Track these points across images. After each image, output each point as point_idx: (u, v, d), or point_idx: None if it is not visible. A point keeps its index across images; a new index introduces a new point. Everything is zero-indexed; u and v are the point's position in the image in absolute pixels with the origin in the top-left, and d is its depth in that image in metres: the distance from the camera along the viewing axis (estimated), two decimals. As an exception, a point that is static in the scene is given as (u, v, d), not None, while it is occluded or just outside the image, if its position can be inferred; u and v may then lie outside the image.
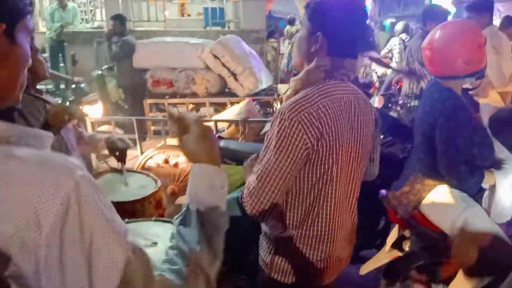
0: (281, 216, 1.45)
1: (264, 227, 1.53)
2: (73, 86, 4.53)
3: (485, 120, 2.33)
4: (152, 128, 5.03)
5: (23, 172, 0.63)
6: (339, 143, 1.38)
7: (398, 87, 5.22)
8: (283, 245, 1.47)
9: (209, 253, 0.84)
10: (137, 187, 2.20)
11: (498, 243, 0.91)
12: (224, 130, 3.95)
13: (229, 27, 7.17)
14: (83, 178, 0.66)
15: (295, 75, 1.53)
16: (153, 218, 1.70)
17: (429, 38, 2.12)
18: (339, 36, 1.39)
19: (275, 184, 1.34)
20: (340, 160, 1.40)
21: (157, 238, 1.47)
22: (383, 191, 2.43)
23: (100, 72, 5.61)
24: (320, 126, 1.33)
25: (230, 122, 3.87)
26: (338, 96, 1.40)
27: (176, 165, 3.78)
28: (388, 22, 9.89)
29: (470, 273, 0.91)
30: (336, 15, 1.38)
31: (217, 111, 5.51)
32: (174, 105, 5.36)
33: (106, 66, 5.86)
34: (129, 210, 1.89)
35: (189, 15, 8.22)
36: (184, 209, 0.89)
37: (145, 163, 3.73)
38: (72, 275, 0.64)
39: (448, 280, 1.78)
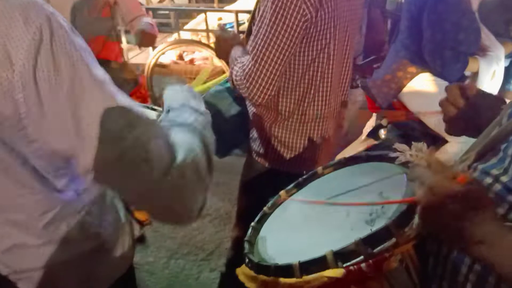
0: (275, 103, 1.37)
1: (255, 118, 1.46)
2: None
3: (475, 5, 2.24)
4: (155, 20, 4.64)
5: None
6: (337, 15, 1.27)
7: None
8: (276, 134, 1.42)
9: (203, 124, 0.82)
10: None
11: (483, 97, 0.90)
12: (244, 23, 3.58)
13: None
14: (54, 14, 0.60)
15: None
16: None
17: None
18: None
19: (273, 63, 1.23)
20: (337, 35, 1.30)
21: None
22: (364, 80, 2.40)
23: None
24: None
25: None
26: None
27: (192, 61, 3.45)
28: None
29: (454, 127, 0.93)
30: None
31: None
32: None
33: None
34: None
35: None
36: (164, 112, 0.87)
37: (157, 59, 3.50)
38: (55, 119, 0.60)
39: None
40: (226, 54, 1.42)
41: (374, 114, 2.57)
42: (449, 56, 1.97)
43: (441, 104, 0.92)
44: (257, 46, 1.23)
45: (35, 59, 0.57)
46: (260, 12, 1.25)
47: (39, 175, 0.67)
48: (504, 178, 0.70)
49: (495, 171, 0.71)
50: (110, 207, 0.87)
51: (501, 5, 2.21)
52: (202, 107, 0.91)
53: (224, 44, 1.44)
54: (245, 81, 1.26)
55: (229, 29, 1.48)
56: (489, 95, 0.92)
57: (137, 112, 0.66)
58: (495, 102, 0.88)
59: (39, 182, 0.68)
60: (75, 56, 0.60)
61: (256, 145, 1.49)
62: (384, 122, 2.44)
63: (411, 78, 2.16)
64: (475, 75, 2.10)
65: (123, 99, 0.65)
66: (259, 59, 1.23)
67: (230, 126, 1.52)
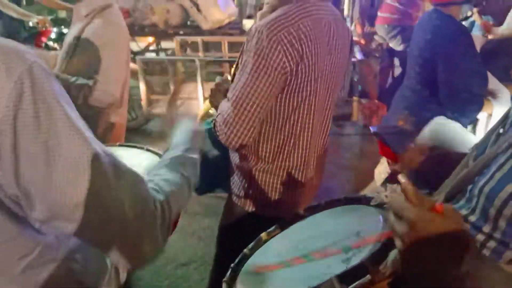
0: (255, 149, 1.38)
1: (236, 161, 1.46)
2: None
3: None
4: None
5: None
6: (318, 68, 1.30)
7: None
8: (257, 179, 1.42)
9: (182, 190, 0.86)
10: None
11: (444, 159, 1.01)
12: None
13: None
14: (36, 63, 0.62)
15: (261, 9, 1.42)
16: (117, 144, 1.64)
17: None
18: None
19: (252, 111, 1.25)
20: (318, 87, 1.33)
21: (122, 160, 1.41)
22: (374, 126, 2.44)
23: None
24: (300, 49, 1.23)
25: None
26: (319, 16, 1.31)
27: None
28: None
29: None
30: None
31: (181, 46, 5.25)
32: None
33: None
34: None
35: None
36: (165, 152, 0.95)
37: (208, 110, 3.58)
38: (27, 167, 0.60)
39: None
40: (217, 103, 1.44)
41: (384, 158, 2.54)
42: (466, 98, 2.01)
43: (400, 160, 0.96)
44: (237, 94, 1.25)
45: (16, 108, 0.58)
46: (242, 61, 1.27)
47: (14, 217, 0.65)
48: (472, 218, 0.74)
49: (464, 211, 0.75)
50: (96, 253, 0.84)
51: (500, 50, 2.29)
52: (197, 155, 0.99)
53: (219, 94, 1.46)
54: (223, 127, 1.28)
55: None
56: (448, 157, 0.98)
57: (113, 160, 0.67)
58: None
59: (14, 224, 0.66)
60: (53, 105, 0.61)
61: (236, 188, 1.48)
62: (398, 167, 2.41)
63: (426, 123, 2.17)
64: (489, 117, 2.14)
65: (98, 147, 0.65)
66: (238, 106, 1.25)
67: (211, 166, 1.49)
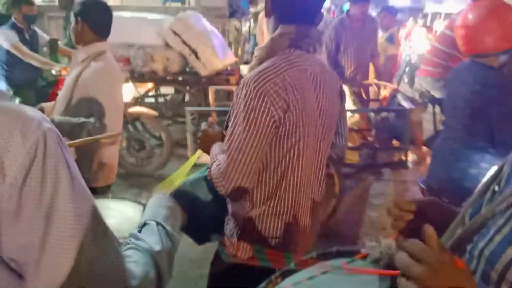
0: (251, 194, 1.41)
1: (231, 207, 1.48)
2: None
3: None
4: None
5: None
6: (306, 115, 1.35)
7: None
8: (250, 224, 1.43)
9: (166, 257, 0.87)
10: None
11: (434, 209, 0.96)
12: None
13: (189, 3, 6.98)
14: (50, 130, 0.64)
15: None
16: (110, 196, 1.68)
17: (462, 17, 2.15)
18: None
19: (247, 161, 1.29)
20: (306, 134, 1.38)
21: (115, 213, 1.45)
22: (421, 180, 2.41)
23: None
24: (286, 98, 1.29)
25: None
26: (304, 67, 1.37)
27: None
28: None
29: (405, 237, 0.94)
30: None
31: (178, 91, 5.37)
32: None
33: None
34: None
35: (148, -9, 7.94)
36: (141, 224, 0.95)
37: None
38: (24, 230, 0.60)
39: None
40: (208, 149, 1.48)
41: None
42: None
43: (391, 226, 0.94)
44: (231, 146, 1.30)
45: (26, 174, 0.60)
46: (234, 113, 1.33)
47: (15, 274, 0.65)
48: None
49: None
50: None
51: None
52: (176, 228, 0.99)
53: (208, 140, 1.49)
54: (221, 179, 1.31)
55: (216, 126, 1.53)
56: (430, 202, 0.97)
57: (105, 238, 0.68)
58: (438, 207, 0.95)
59: (15, 280, 0.65)
60: (61, 172, 0.63)
61: (230, 233, 1.48)
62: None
63: (485, 174, 2.14)
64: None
65: (94, 221, 0.67)
66: (234, 158, 1.29)
67: (207, 214, 1.51)
